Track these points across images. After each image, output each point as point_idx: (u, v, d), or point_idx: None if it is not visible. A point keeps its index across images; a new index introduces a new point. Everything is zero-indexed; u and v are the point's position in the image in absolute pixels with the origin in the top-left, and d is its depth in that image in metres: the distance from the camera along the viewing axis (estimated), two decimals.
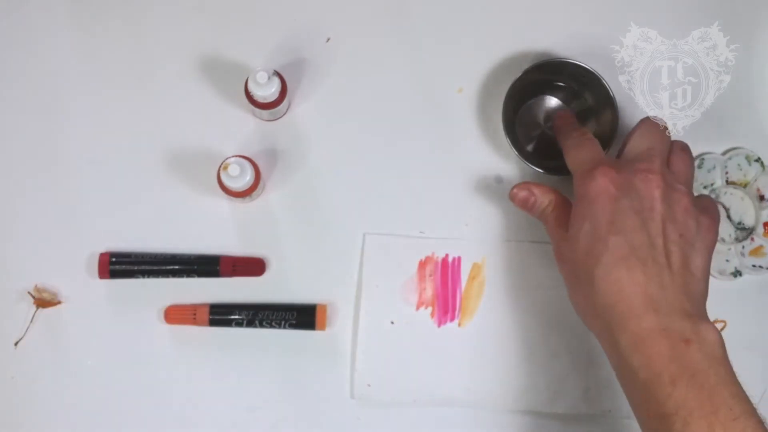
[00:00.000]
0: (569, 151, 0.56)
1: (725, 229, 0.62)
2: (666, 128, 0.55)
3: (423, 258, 0.62)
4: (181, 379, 0.60)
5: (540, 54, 0.63)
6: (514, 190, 0.57)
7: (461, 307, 0.62)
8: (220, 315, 0.60)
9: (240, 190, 0.57)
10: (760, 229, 0.62)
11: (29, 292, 0.60)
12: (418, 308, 0.62)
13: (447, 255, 0.62)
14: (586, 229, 0.51)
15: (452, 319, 0.62)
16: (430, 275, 0.62)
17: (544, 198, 0.57)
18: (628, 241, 0.50)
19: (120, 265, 0.60)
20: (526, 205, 0.58)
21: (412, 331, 0.61)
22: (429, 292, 0.62)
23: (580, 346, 0.61)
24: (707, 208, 0.54)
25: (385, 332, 0.61)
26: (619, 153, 0.56)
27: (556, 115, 0.61)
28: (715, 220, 0.53)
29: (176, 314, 0.60)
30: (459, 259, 0.62)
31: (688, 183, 0.54)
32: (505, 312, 0.62)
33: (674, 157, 0.55)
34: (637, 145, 0.54)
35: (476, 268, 0.62)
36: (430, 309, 0.62)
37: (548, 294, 0.61)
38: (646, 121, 0.56)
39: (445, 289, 0.62)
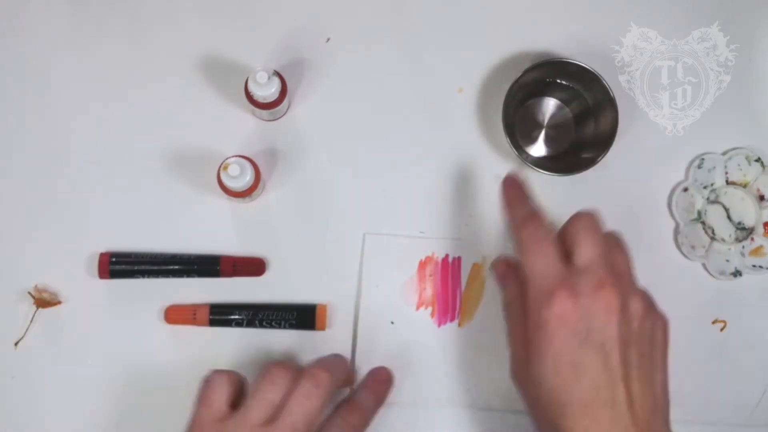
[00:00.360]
0: (523, 252, 0.51)
1: (725, 229, 0.62)
2: (602, 223, 0.52)
3: (423, 258, 0.62)
4: (181, 379, 0.60)
5: (540, 54, 0.63)
6: (496, 261, 0.57)
7: (461, 307, 0.62)
8: (220, 315, 0.60)
9: (240, 190, 0.57)
10: (760, 229, 0.62)
11: (29, 292, 0.60)
12: (418, 308, 0.62)
13: (447, 255, 0.62)
14: (548, 371, 0.48)
15: (452, 320, 0.62)
16: (430, 275, 0.62)
17: (515, 288, 0.54)
18: (591, 385, 0.47)
19: (120, 265, 0.60)
20: (501, 281, 0.57)
21: (412, 331, 0.61)
22: (429, 292, 0.62)
23: None
24: (653, 301, 0.51)
25: (385, 332, 0.61)
26: (560, 233, 0.52)
27: (505, 180, 0.56)
28: (664, 315, 0.51)
29: (176, 314, 0.60)
30: (459, 259, 0.62)
31: (633, 278, 0.51)
32: None
33: (614, 254, 0.51)
34: (582, 254, 0.50)
35: (476, 269, 0.62)
36: (430, 309, 0.62)
37: None
38: (584, 221, 0.51)
39: (445, 290, 0.62)
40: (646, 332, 0.50)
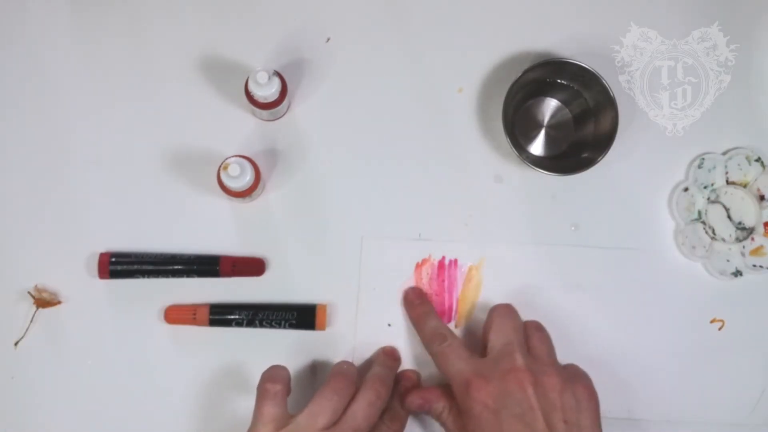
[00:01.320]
0: (437, 362, 0.58)
1: (725, 229, 0.62)
2: (516, 313, 0.59)
3: (420, 260, 0.62)
4: (181, 379, 0.60)
5: (540, 54, 0.63)
6: (409, 399, 0.58)
7: (458, 308, 0.62)
8: (220, 315, 0.60)
9: (240, 190, 0.57)
10: (761, 229, 0.62)
11: (29, 292, 0.60)
12: None
13: (444, 257, 0.62)
14: None
15: (449, 321, 0.62)
16: (427, 278, 0.62)
17: (438, 404, 0.58)
18: None
19: (120, 265, 0.60)
20: (422, 410, 0.58)
21: (409, 333, 0.61)
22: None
23: (576, 348, 0.61)
24: (577, 376, 0.55)
25: (382, 334, 0.61)
26: (483, 337, 0.59)
27: (407, 296, 0.61)
28: (589, 384, 0.55)
29: (176, 314, 0.60)
30: (456, 261, 0.62)
31: (552, 359, 0.57)
32: None
33: (532, 340, 0.57)
34: (495, 344, 0.56)
35: (473, 270, 0.62)
36: None
37: (544, 296, 0.61)
38: (497, 314, 0.58)
39: (441, 291, 0.62)
40: (567, 402, 0.53)
